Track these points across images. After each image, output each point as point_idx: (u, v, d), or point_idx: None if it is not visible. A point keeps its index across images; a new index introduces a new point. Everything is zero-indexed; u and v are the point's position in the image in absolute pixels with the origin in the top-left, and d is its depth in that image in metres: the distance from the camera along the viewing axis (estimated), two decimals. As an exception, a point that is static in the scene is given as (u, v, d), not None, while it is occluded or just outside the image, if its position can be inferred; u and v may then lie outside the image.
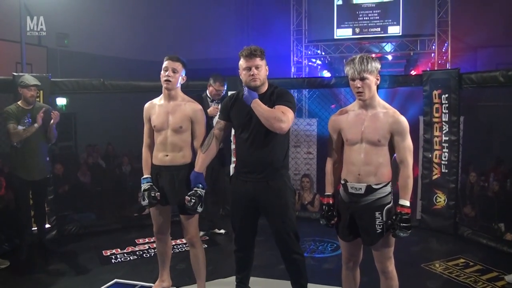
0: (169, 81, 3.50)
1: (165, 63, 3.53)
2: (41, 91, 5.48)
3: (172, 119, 3.54)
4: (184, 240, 5.16)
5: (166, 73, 3.50)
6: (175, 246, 5.22)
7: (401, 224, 2.86)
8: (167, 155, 3.57)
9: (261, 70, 3.26)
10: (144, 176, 3.66)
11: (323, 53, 12.10)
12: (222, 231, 5.78)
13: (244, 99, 3.19)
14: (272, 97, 3.30)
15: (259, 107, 3.14)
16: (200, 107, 3.64)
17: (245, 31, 14.46)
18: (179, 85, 3.58)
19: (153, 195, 3.56)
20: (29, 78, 4.92)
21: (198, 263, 3.77)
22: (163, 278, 3.97)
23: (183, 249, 5.12)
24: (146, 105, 3.72)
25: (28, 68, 8.87)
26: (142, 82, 6.16)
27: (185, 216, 3.63)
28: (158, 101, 3.67)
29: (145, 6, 12.70)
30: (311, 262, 4.74)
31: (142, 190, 3.62)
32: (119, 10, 11.75)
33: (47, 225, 5.45)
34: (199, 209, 3.46)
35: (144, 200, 3.59)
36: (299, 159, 7.93)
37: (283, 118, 3.13)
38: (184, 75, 3.59)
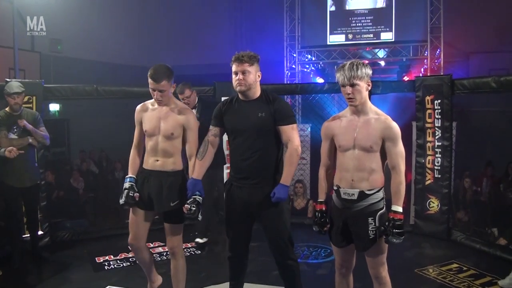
0: (161, 101, 3.47)
1: (150, 83, 3.43)
2: (34, 97, 5.46)
3: (163, 126, 3.49)
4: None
5: (155, 94, 3.44)
6: (164, 254, 5.20)
7: (394, 230, 2.86)
8: (157, 160, 3.51)
9: (249, 76, 3.26)
10: (128, 175, 3.60)
11: (316, 59, 12.15)
12: (203, 240, 5.59)
13: (280, 200, 3.27)
14: (269, 105, 3.31)
15: (289, 178, 3.29)
16: (192, 114, 3.60)
17: (238, 36, 14.50)
18: (170, 94, 3.53)
19: (131, 194, 3.48)
20: (11, 86, 4.85)
21: (178, 275, 3.68)
22: (152, 279, 3.88)
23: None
24: (138, 107, 3.64)
25: (21, 74, 8.86)
26: (135, 88, 6.14)
27: (170, 225, 3.57)
28: (151, 104, 3.60)
29: (138, 12, 12.71)
30: (305, 268, 4.73)
31: (123, 188, 3.54)
32: (112, 16, 11.75)
33: (40, 232, 5.41)
34: (199, 217, 3.41)
35: (121, 199, 3.51)
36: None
37: (295, 146, 3.28)
38: (173, 83, 3.52)
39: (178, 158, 3.56)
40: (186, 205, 3.37)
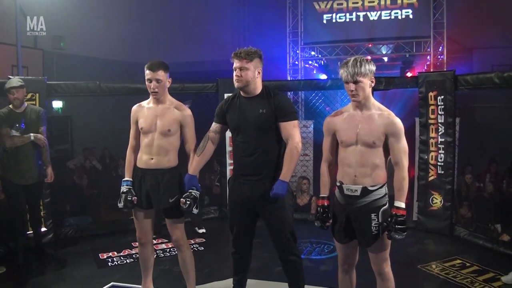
0: (156, 92, 3.52)
1: (146, 74, 3.51)
2: (37, 94, 5.47)
3: (160, 122, 3.54)
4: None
5: (151, 85, 3.50)
6: (171, 249, 5.22)
7: (397, 226, 2.86)
8: (152, 159, 3.55)
9: (246, 72, 3.27)
10: (125, 179, 3.65)
11: (319, 56, 12.12)
12: (202, 230, 5.86)
13: (278, 196, 3.26)
14: (270, 101, 3.32)
15: (289, 175, 3.29)
16: (189, 111, 3.65)
17: (241, 33, 14.48)
18: (166, 89, 3.58)
19: (129, 198, 3.55)
20: (9, 82, 4.86)
21: (186, 266, 3.75)
22: (146, 285, 3.91)
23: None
24: (134, 107, 3.71)
25: (24, 71, 8.84)
26: (138, 85, 6.13)
27: (171, 220, 3.64)
28: (147, 103, 3.66)
29: (141, 8, 12.70)
30: (308, 264, 4.74)
31: (120, 192, 3.60)
32: (115, 12, 11.74)
33: (44, 229, 5.44)
34: (195, 211, 3.47)
35: (120, 203, 3.59)
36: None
37: (295, 142, 3.27)
38: (169, 77, 3.58)
39: (172, 156, 3.61)
40: (181, 199, 3.44)
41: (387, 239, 2.97)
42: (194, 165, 3.49)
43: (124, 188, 3.59)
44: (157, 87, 3.50)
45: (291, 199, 3.51)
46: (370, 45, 11.96)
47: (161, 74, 3.50)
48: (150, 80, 3.50)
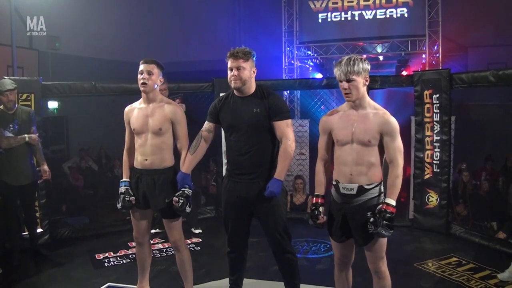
0: (145, 83, 3.50)
1: (140, 67, 3.52)
2: (32, 95, 5.46)
3: (151, 122, 3.53)
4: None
5: (142, 76, 3.49)
6: (168, 249, 5.22)
7: (384, 222, 2.84)
8: (146, 159, 3.55)
9: (243, 72, 3.27)
10: (123, 179, 3.66)
11: (315, 55, 12.13)
12: (198, 230, 5.85)
13: (273, 194, 3.26)
14: (264, 100, 3.33)
15: (283, 173, 3.29)
16: (179, 107, 3.65)
17: (236, 32, 14.49)
18: (156, 87, 3.57)
19: (127, 199, 3.56)
20: (3, 83, 4.81)
21: (184, 267, 3.75)
22: (142, 285, 3.91)
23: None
24: (126, 108, 3.70)
25: (19, 72, 8.83)
26: (134, 85, 6.10)
27: (168, 220, 3.63)
28: (138, 104, 3.65)
29: (136, 9, 12.67)
30: (305, 263, 4.75)
31: (119, 193, 3.61)
32: (110, 12, 11.71)
33: (40, 230, 5.42)
34: (188, 209, 3.47)
35: (118, 204, 3.62)
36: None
37: (289, 141, 3.29)
38: (161, 77, 3.58)
39: (167, 155, 3.60)
40: (174, 198, 3.44)
41: (374, 234, 2.93)
42: (187, 164, 3.50)
43: (122, 189, 3.61)
44: (147, 79, 3.48)
45: (285, 197, 3.52)
46: (365, 44, 11.97)
47: (154, 68, 3.50)
48: (141, 72, 3.50)
